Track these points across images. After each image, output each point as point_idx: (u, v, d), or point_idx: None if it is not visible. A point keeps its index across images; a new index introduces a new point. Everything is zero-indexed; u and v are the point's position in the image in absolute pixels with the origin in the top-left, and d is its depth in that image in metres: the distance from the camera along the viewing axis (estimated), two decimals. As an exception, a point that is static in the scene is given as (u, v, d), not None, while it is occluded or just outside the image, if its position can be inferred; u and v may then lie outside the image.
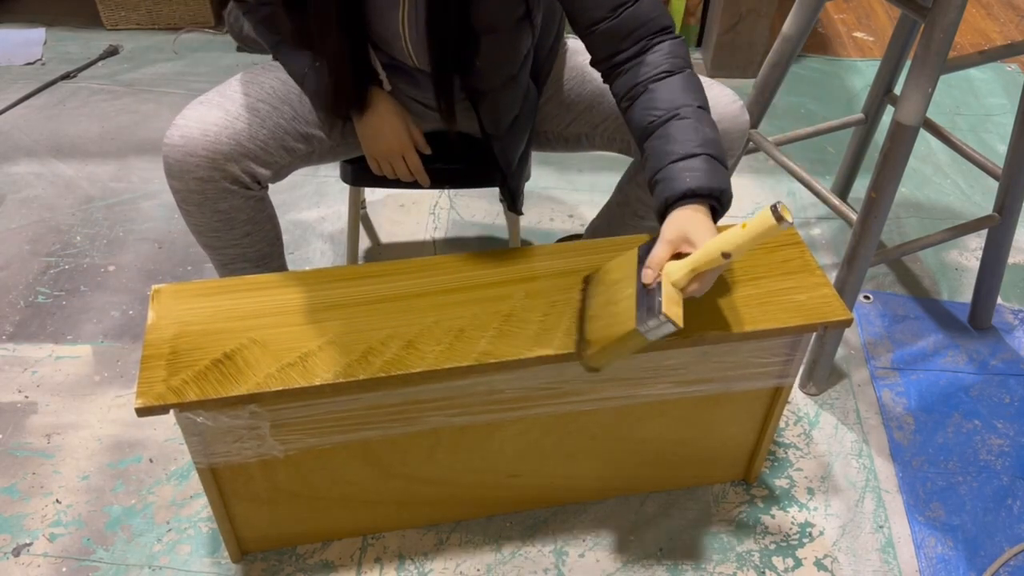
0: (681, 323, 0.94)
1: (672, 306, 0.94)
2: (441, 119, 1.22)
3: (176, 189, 1.15)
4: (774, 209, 0.88)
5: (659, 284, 0.97)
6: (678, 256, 0.98)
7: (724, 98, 1.22)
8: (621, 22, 1.07)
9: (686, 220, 0.98)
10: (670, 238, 0.98)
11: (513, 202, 1.34)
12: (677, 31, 2.70)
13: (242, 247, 1.25)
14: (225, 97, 1.16)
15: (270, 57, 1.26)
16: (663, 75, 1.06)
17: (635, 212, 1.35)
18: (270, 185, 1.24)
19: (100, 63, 2.42)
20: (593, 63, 1.13)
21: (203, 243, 1.25)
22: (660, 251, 0.98)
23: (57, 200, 1.92)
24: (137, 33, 2.56)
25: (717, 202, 1.00)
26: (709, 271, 0.96)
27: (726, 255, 0.93)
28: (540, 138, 1.34)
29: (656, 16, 1.08)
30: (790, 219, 0.89)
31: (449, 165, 1.36)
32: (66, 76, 2.34)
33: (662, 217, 1.01)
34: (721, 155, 1.02)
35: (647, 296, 0.97)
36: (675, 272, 0.97)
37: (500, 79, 1.16)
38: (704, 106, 1.06)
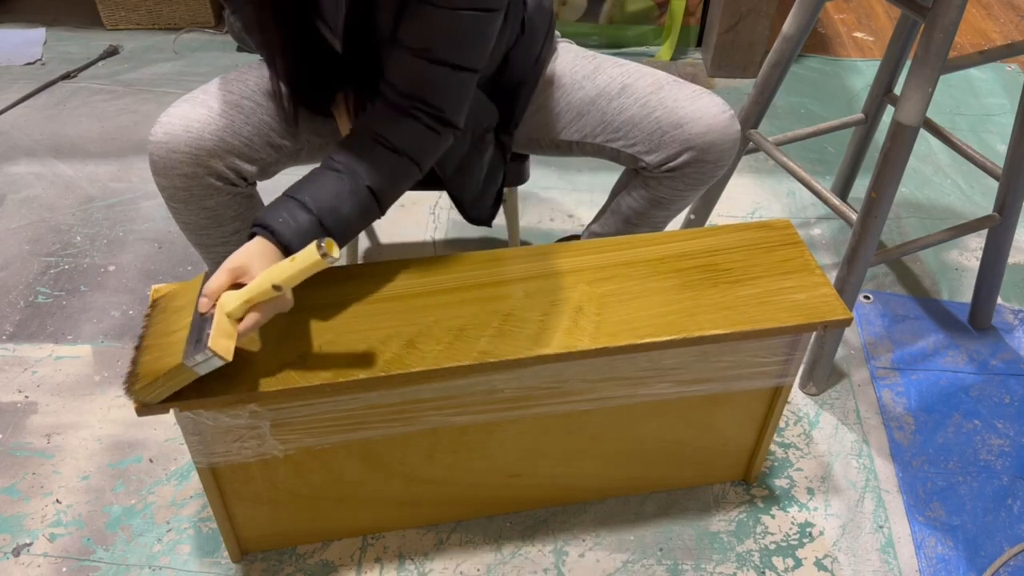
0: (230, 356, 0.91)
1: (221, 339, 0.92)
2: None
3: (162, 186, 1.15)
4: (319, 245, 0.88)
5: (212, 315, 0.94)
6: (239, 286, 0.96)
7: (714, 108, 1.19)
8: (420, 73, 1.04)
9: (250, 250, 0.98)
10: (230, 267, 0.96)
11: (470, 216, 1.33)
12: (677, 31, 2.70)
13: (232, 244, 1.25)
14: (209, 94, 1.17)
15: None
16: (385, 144, 1.05)
17: (627, 220, 1.34)
18: (260, 183, 1.24)
19: (100, 63, 2.42)
20: (382, 78, 1.08)
21: (193, 241, 1.25)
22: (218, 278, 0.96)
23: (57, 200, 1.92)
24: (137, 33, 2.57)
25: (272, 236, 0.99)
26: (265, 303, 0.95)
27: (276, 287, 0.92)
28: (532, 145, 1.33)
29: (446, 102, 1.05)
30: (336, 254, 0.89)
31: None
32: (66, 76, 2.34)
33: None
34: (333, 227, 1.02)
35: (200, 326, 0.94)
36: (230, 303, 0.94)
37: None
38: (375, 190, 1.05)
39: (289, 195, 1.02)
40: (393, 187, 1.08)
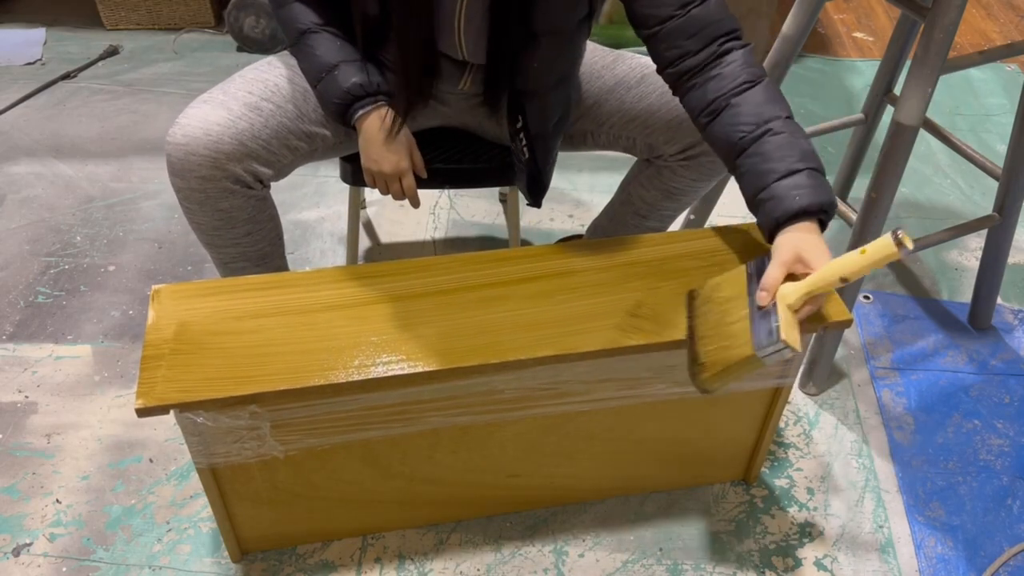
0: (800, 347, 0.93)
1: (790, 330, 0.93)
2: (486, 113, 1.23)
3: (178, 187, 1.15)
4: (895, 235, 0.88)
5: (774, 306, 0.96)
6: (791, 277, 0.98)
7: None
8: (688, 21, 1.05)
9: (800, 240, 0.98)
10: (785, 259, 0.97)
11: (538, 199, 1.33)
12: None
13: (243, 246, 1.25)
14: (228, 95, 1.16)
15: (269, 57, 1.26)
16: (744, 87, 1.04)
17: (637, 211, 1.35)
18: (271, 184, 1.24)
19: (100, 63, 2.42)
20: (660, 70, 1.10)
21: (204, 241, 1.25)
22: (775, 272, 0.97)
23: (57, 200, 1.92)
24: (137, 33, 2.57)
25: (825, 215, 1.00)
26: (816, 300, 0.97)
27: (844, 280, 0.93)
28: None
29: (724, 18, 1.07)
30: (910, 246, 0.89)
31: (449, 165, 1.36)
32: (66, 76, 2.34)
33: (771, 236, 1.01)
34: (820, 166, 1.02)
35: (762, 318, 0.95)
36: (791, 295, 0.96)
37: (553, 79, 1.16)
38: (791, 116, 1.04)
39: (773, 181, 1.00)
40: (786, 103, 1.07)
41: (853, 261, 0.92)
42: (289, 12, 1.18)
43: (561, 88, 1.19)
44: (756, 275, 1.02)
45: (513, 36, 1.10)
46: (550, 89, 1.17)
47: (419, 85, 1.20)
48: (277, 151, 1.18)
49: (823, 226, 1.01)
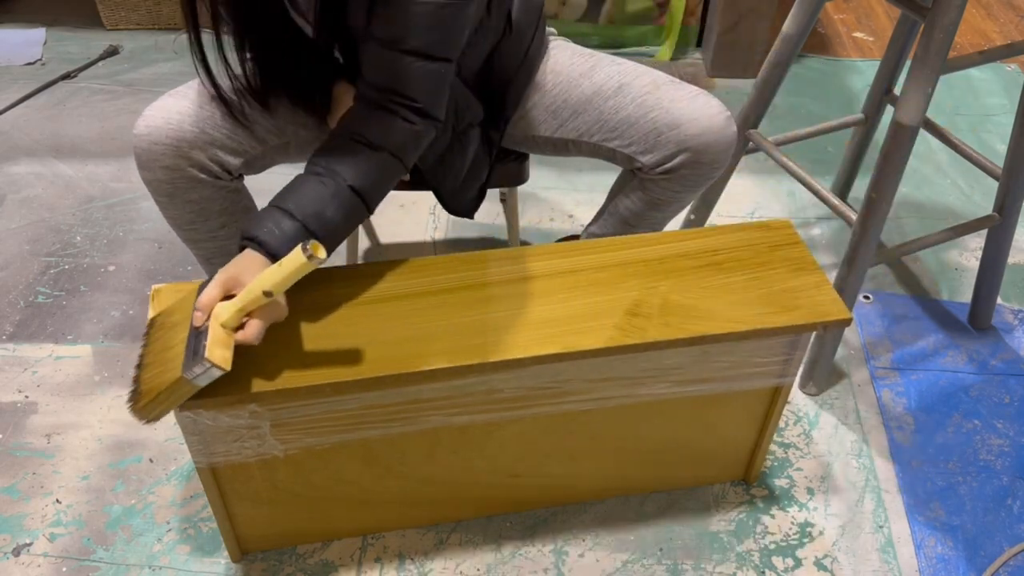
0: (228, 366, 0.92)
1: (218, 349, 0.92)
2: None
3: (147, 180, 1.16)
4: (304, 247, 0.88)
5: (207, 328, 0.94)
6: (230, 298, 0.96)
7: (710, 109, 1.19)
8: (384, 58, 1.03)
9: (240, 262, 0.98)
10: (221, 280, 0.96)
11: (455, 211, 1.33)
12: (677, 31, 2.69)
13: (220, 239, 1.25)
14: (192, 88, 1.17)
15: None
16: (363, 142, 1.04)
17: (625, 220, 1.34)
18: (261, 177, 1.23)
19: (100, 63, 2.42)
20: (359, 76, 1.08)
21: (183, 237, 1.25)
22: (210, 292, 0.96)
23: (57, 200, 1.92)
24: (137, 33, 2.56)
25: (260, 248, 0.99)
26: (261, 310, 0.95)
27: (267, 293, 0.92)
28: (529, 143, 1.33)
29: (421, 93, 1.04)
30: (322, 256, 0.89)
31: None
32: (66, 76, 2.34)
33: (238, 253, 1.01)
34: (319, 231, 1.01)
35: (196, 339, 0.94)
36: (224, 313, 0.95)
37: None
38: (359, 189, 1.04)
39: (273, 205, 1.02)
40: (377, 185, 1.07)
41: (271, 274, 0.92)
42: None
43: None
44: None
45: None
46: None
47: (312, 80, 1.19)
48: (243, 140, 1.18)
49: (273, 259, 0.98)
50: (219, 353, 0.92)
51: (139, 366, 1.00)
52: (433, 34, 1.02)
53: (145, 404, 0.95)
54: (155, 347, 1.00)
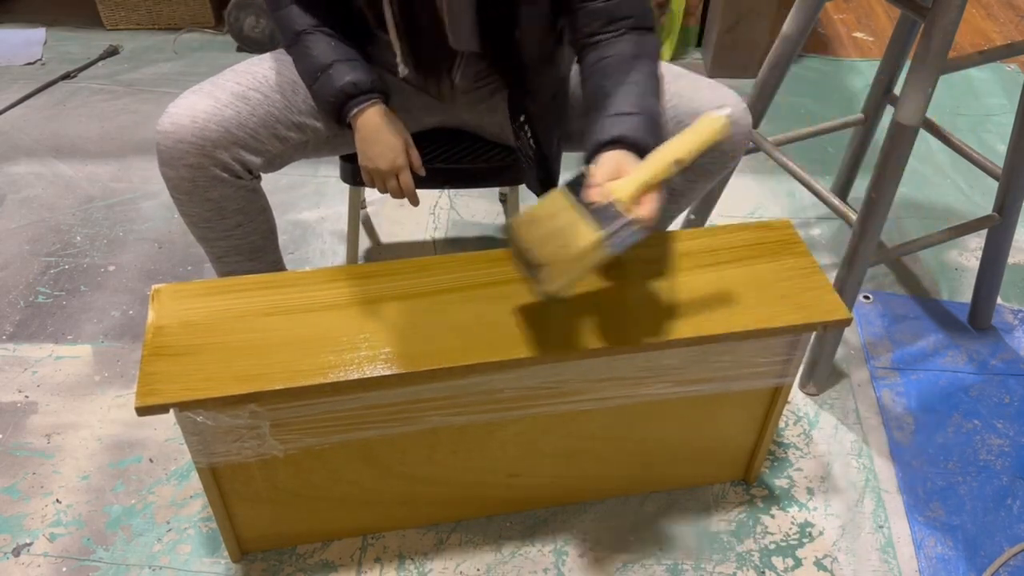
0: (652, 220, 0.87)
1: (633, 207, 0.87)
2: (485, 109, 1.26)
3: (168, 177, 1.16)
4: (721, 108, 0.86)
5: (608, 203, 0.90)
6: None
7: (729, 99, 1.21)
8: (614, 6, 1.11)
9: (619, 156, 0.97)
10: (606, 169, 0.95)
11: (545, 189, 1.32)
12: (677, 31, 2.69)
13: (234, 238, 1.25)
14: (216, 86, 1.17)
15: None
16: (631, 59, 1.10)
17: None
18: (265, 176, 1.24)
19: (100, 63, 2.42)
20: (572, 39, 1.16)
21: (196, 235, 1.26)
22: (600, 174, 0.94)
23: (57, 200, 1.92)
24: (137, 33, 2.57)
25: (638, 151, 0.99)
26: (658, 188, 0.92)
27: (679, 162, 0.87)
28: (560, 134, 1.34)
29: (645, 13, 1.12)
30: (727, 112, 0.88)
31: (449, 165, 1.36)
32: (66, 76, 2.34)
33: (591, 159, 1.00)
34: (655, 116, 1.04)
35: (598, 211, 0.89)
36: (622, 189, 0.90)
37: (541, 51, 1.20)
38: (655, 83, 1.09)
39: (605, 117, 1.03)
40: (656, 82, 1.11)
41: (684, 142, 0.87)
42: (286, 13, 1.20)
43: (550, 63, 1.23)
44: (574, 192, 0.95)
45: (497, 10, 1.13)
46: (538, 64, 1.21)
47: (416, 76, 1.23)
48: (265, 140, 1.19)
49: (640, 152, 0.99)
50: (637, 211, 0.86)
51: (521, 250, 0.93)
52: None
53: (557, 271, 0.89)
54: (537, 234, 0.92)
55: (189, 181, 1.15)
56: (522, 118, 1.24)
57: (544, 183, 1.31)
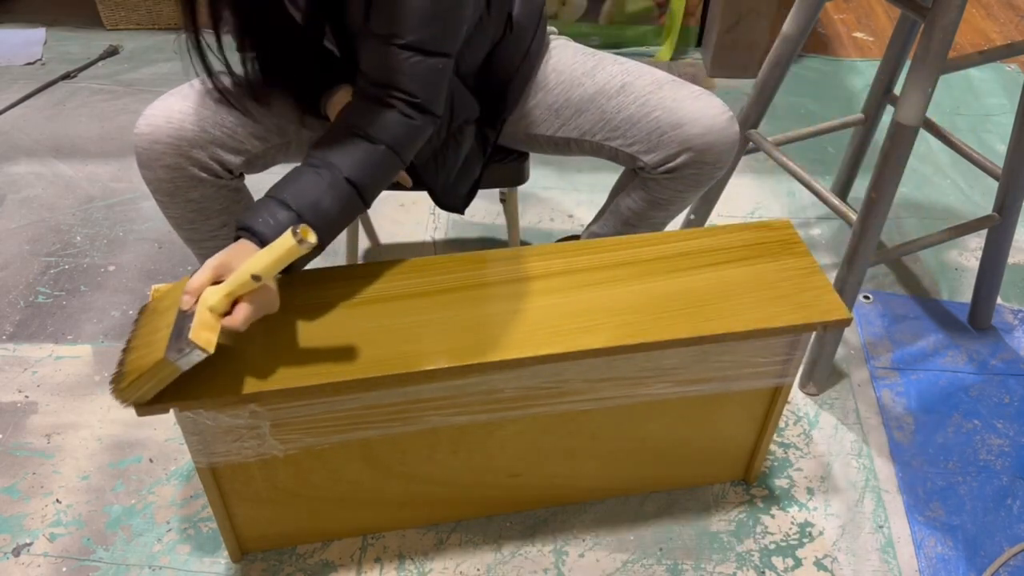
0: (211, 348, 0.91)
1: (203, 331, 0.91)
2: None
3: (148, 179, 1.16)
4: (294, 231, 0.88)
5: (194, 311, 0.94)
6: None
7: (713, 109, 1.19)
8: (377, 53, 1.04)
9: (233, 250, 0.97)
10: (212, 264, 0.96)
11: (445, 205, 1.33)
12: (677, 31, 2.69)
13: (220, 239, 1.25)
14: (193, 87, 1.17)
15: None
16: (361, 135, 1.04)
17: (626, 221, 1.34)
18: (260, 176, 1.23)
19: (100, 63, 2.42)
20: (358, 70, 1.09)
21: (184, 237, 1.25)
22: (200, 276, 0.95)
23: (57, 200, 1.92)
24: (137, 33, 2.57)
25: (255, 237, 0.99)
26: (251, 296, 0.95)
27: (256, 277, 0.91)
28: (530, 142, 1.33)
29: (420, 88, 1.05)
30: (312, 240, 0.89)
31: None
32: (66, 76, 2.34)
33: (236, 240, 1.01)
34: (314, 222, 1.00)
35: (183, 322, 0.93)
36: (212, 296, 0.94)
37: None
38: (355, 182, 1.04)
39: (269, 195, 1.02)
40: (374, 178, 1.07)
41: (259, 258, 0.91)
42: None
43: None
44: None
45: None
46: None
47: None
48: (244, 139, 1.18)
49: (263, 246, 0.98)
50: (203, 335, 0.91)
51: (126, 349, 1.00)
52: (430, 29, 1.02)
53: (127, 385, 0.94)
54: (143, 330, 1.00)
55: (168, 182, 1.15)
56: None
57: (450, 207, 1.33)
